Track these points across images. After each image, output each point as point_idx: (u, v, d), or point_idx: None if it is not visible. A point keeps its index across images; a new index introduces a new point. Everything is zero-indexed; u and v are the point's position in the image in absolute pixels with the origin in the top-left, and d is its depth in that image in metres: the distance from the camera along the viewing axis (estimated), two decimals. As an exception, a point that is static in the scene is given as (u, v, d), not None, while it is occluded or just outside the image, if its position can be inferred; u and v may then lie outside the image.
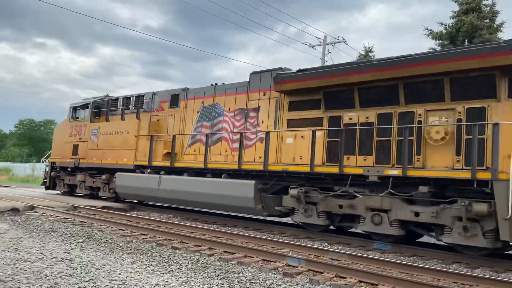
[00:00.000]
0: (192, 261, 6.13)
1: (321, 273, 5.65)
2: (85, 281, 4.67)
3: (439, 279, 5.63)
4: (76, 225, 9.02)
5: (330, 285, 5.16)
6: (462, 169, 7.50)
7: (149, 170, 12.84)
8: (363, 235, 9.23)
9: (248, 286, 4.94)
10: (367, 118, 8.91)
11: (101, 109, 15.53)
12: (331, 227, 9.46)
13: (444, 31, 20.09)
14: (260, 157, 10.32)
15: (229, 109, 11.61)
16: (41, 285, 4.42)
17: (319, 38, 29.19)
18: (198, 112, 12.48)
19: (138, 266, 5.60)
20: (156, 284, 4.74)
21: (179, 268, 5.65)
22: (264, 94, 10.83)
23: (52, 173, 16.87)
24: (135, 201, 14.76)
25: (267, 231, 9.81)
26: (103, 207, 12.30)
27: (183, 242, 7.50)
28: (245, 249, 6.80)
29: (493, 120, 7.37)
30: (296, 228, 9.96)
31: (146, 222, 9.90)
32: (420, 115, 8.25)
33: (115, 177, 13.53)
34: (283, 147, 10.06)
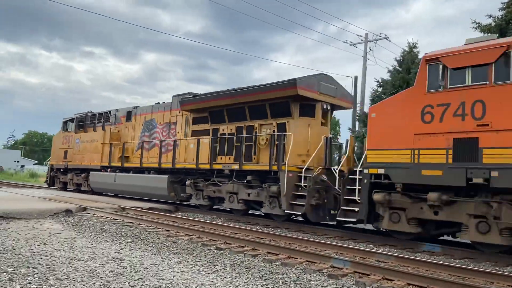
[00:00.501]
0: (236, 261, 6.19)
1: (368, 275, 5.53)
2: (135, 280, 4.84)
3: (492, 282, 5.36)
4: (125, 225, 9.36)
5: (377, 287, 5.05)
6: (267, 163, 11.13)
7: (109, 170, 16.86)
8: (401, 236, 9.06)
9: (292, 287, 4.92)
10: (231, 129, 12.75)
11: (82, 122, 19.68)
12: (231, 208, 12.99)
13: (493, 24, 19.10)
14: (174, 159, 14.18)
15: (160, 122, 15.60)
16: (94, 283, 4.62)
17: (361, 36, 28.60)
18: (142, 125, 16.44)
19: (184, 266, 5.73)
20: (202, 284, 4.82)
21: (223, 268, 5.72)
22: (179, 112, 14.63)
23: (51, 173, 21.66)
24: (171, 201, 15.16)
25: (310, 232, 9.73)
26: (149, 209, 12.68)
27: (227, 243, 7.59)
28: (289, 250, 6.77)
29: (290, 131, 11.07)
30: (341, 230, 9.82)
31: (191, 223, 10.11)
32: (256, 127, 12.05)
33: (89, 175, 17.72)
34: (187, 151, 14.04)
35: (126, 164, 16.15)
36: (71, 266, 5.34)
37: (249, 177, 11.51)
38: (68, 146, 20.09)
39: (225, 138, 12.64)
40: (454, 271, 5.77)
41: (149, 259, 6.04)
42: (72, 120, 20.16)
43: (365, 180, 8.62)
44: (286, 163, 10.47)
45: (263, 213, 11.58)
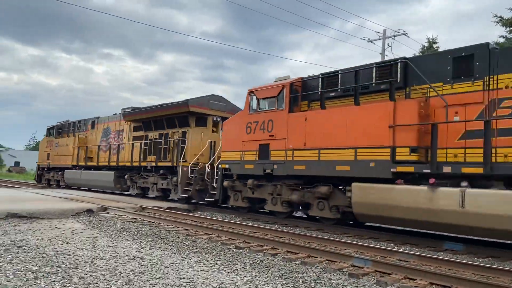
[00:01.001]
0: (256, 260, 6.19)
1: (389, 274, 5.46)
2: (156, 278, 4.88)
3: (519, 282, 5.22)
4: (145, 225, 9.47)
5: (398, 287, 4.97)
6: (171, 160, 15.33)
7: (77, 168, 21.13)
8: (429, 235, 8.97)
9: (313, 286, 4.90)
10: (156, 136, 16.74)
11: (60, 129, 23.76)
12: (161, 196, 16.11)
13: (515, 17, 18.63)
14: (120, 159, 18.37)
15: (113, 130, 19.58)
16: (116, 281, 4.69)
17: (378, 32, 28.34)
18: (101, 132, 20.48)
19: (204, 264, 5.76)
20: (222, 283, 4.84)
21: (243, 267, 5.72)
22: (126, 122, 18.57)
23: (38, 172, 26.18)
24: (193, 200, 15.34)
25: (329, 231, 9.67)
26: (169, 208, 12.80)
27: (246, 242, 7.60)
28: (309, 249, 6.74)
29: (188, 138, 15.07)
30: (360, 229, 9.72)
31: (210, 222, 10.16)
32: (170, 134, 16.03)
33: (64, 173, 22.11)
34: (128, 152, 17.82)
35: (89, 163, 20.46)
36: (93, 264, 5.43)
37: (161, 171, 15.74)
38: (50, 149, 24.51)
39: (152, 142, 16.60)
40: (478, 270, 5.65)
41: (169, 258, 6.09)
42: (53, 127, 24.65)
43: (219, 172, 12.78)
44: (181, 160, 14.57)
45: (177, 198, 14.90)
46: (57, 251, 6.18)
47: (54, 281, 4.55)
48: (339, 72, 10.03)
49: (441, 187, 7.57)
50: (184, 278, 4.97)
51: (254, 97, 11.59)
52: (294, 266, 5.91)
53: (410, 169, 8.14)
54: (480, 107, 7.73)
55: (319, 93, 10.27)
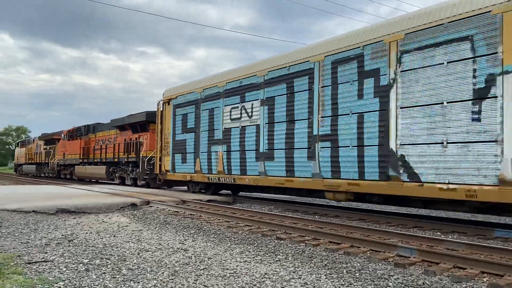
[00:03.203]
0: (298, 251, 6.17)
1: (437, 263, 5.29)
2: (200, 270, 4.96)
3: None
4: (187, 217, 9.65)
5: (448, 276, 4.80)
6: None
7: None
8: (478, 223, 8.64)
9: (357, 276, 4.82)
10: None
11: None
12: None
13: None
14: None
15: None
16: (163, 272, 4.80)
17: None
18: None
19: (246, 256, 5.79)
20: (265, 273, 4.85)
21: (285, 258, 5.71)
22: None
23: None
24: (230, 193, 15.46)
25: (371, 221, 9.49)
26: (208, 201, 12.98)
27: (287, 233, 7.59)
28: (351, 239, 6.64)
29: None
30: (403, 217, 9.47)
31: (250, 214, 10.21)
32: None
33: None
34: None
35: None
36: (140, 256, 5.59)
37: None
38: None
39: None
40: (534, 259, 5.37)
41: (212, 249, 6.18)
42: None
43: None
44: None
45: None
46: (105, 244, 6.41)
47: (104, 273, 4.72)
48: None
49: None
50: (227, 269, 5.03)
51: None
52: (337, 257, 5.84)
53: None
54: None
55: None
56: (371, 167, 8.91)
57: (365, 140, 9.08)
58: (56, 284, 4.24)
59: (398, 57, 8.51)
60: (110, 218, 9.30)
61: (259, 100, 12.03)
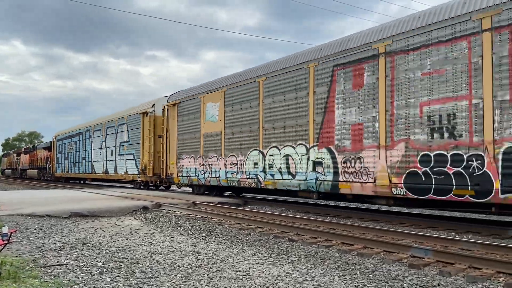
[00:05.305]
0: (310, 252, 6.14)
1: (452, 264, 5.22)
2: (213, 272, 4.97)
3: None
4: (198, 220, 9.67)
5: (463, 277, 4.74)
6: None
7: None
8: (493, 222, 8.51)
9: (371, 277, 4.78)
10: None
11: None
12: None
13: None
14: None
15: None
16: (176, 275, 4.82)
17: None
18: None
19: (259, 257, 5.78)
20: (278, 275, 4.83)
21: (298, 259, 5.69)
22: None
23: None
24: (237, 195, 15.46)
25: (384, 221, 9.41)
26: (219, 203, 13.00)
27: (299, 234, 7.56)
28: (364, 240, 6.59)
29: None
30: (418, 218, 9.37)
31: (261, 216, 10.20)
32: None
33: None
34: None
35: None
36: (153, 259, 5.61)
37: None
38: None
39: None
40: (552, 259, 5.27)
41: (224, 251, 6.18)
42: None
43: None
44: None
45: None
46: (118, 247, 6.45)
47: (118, 276, 4.75)
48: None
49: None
50: (240, 271, 5.02)
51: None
52: (350, 258, 5.80)
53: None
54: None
55: None
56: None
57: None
58: (71, 287, 4.28)
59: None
60: (122, 222, 9.37)
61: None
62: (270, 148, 12.03)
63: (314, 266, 5.31)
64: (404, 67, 8.61)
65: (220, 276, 4.78)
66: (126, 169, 21.10)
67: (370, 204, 11.96)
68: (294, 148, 11.19)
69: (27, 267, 5.08)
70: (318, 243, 6.73)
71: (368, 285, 4.46)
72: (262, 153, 12.29)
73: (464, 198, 7.47)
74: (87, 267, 5.14)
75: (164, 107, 17.69)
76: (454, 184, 7.61)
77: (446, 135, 7.88)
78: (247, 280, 4.63)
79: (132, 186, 22.25)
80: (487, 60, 7.33)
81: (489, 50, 7.30)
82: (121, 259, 5.62)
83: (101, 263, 5.36)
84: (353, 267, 5.26)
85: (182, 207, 11.73)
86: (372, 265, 5.34)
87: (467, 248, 6.11)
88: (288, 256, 5.88)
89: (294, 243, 6.89)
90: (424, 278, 4.72)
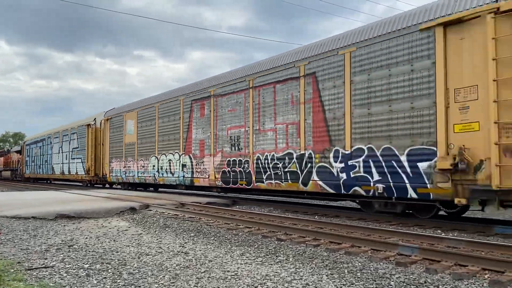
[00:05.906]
0: (299, 252, 6.16)
1: (438, 261, 5.29)
2: (201, 272, 4.95)
3: None
4: (186, 220, 9.63)
5: (449, 274, 4.80)
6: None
7: None
8: (477, 220, 8.66)
9: (359, 276, 4.81)
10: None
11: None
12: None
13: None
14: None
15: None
16: (164, 276, 4.78)
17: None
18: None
19: (247, 257, 5.78)
20: (267, 275, 4.84)
21: (286, 259, 5.70)
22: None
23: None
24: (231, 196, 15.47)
25: (371, 220, 9.49)
26: (208, 203, 12.96)
27: (287, 234, 7.57)
28: (352, 239, 6.63)
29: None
30: (405, 218, 9.47)
31: (249, 216, 10.20)
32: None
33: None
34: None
35: None
36: (140, 260, 5.57)
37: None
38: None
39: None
40: (535, 255, 5.38)
41: (213, 252, 6.16)
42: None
43: None
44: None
45: None
46: (105, 248, 6.39)
47: (105, 278, 4.70)
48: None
49: None
50: (228, 271, 5.01)
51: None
52: (338, 257, 5.83)
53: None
54: None
55: None
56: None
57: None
58: (56, 290, 4.22)
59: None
60: (109, 223, 9.27)
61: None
62: (161, 155, 17.09)
63: (303, 265, 5.33)
64: (221, 105, 13.92)
65: (209, 277, 4.76)
66: (77, 170, 25.56)
67: (208, 192, 16.62)
68: (173, 155, 16.31)
69: (12, 270, 4.99)
70: (306, 242, 6.76)
71: (356, 284, 4.49)
72: (157, 158, 17.34)
73: (242, 186, 12.83)
74: (74, 269, 5.08)
75: (101, 121, 22.69)
76: (239, 178, 12.94)
77: (237, 148, 13.07)
78: (236, 280, 4.62)
79: (81, 184, 27.04)
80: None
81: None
82: (108, 260, 5.56)
83: (87, 265, 5.29)
84: (341, 265, 5.29)
85: (169, 208, 11.66)
86: (360, 264, 5.38)
87: (453, 245, 6.19)
88: (276, 256, 5.89)
89: (283, 242, 6.90)
90: (411, 276, 4.77)
